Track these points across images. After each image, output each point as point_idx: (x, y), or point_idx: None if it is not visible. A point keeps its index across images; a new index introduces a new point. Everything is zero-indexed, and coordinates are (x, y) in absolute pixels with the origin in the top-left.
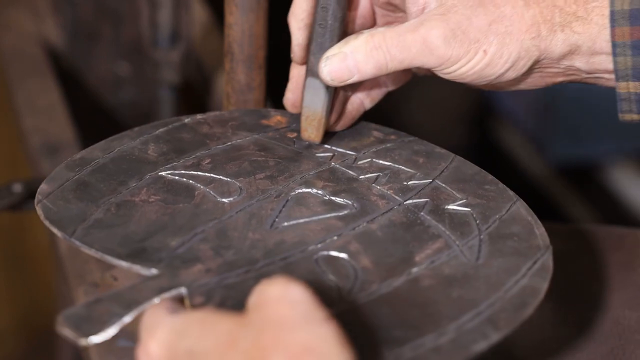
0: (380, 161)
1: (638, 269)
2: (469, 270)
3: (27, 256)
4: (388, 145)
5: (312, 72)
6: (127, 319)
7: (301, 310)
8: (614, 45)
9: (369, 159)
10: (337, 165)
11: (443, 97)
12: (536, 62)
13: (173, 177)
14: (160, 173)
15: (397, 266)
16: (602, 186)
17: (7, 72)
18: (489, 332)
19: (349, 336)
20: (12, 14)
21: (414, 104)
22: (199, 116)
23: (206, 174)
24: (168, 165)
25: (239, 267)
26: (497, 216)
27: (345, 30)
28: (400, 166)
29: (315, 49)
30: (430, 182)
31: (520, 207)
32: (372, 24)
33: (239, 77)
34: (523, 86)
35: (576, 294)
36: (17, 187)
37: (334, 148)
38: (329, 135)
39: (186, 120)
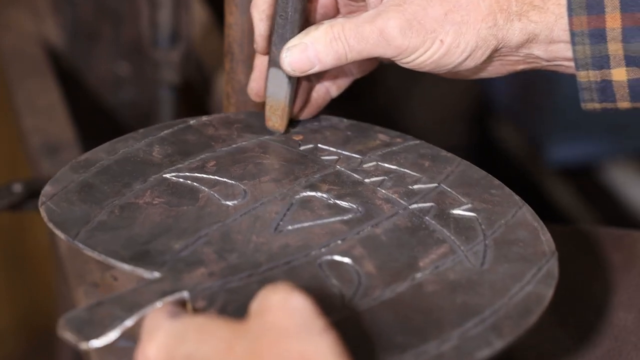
0: (386, 165)
1: (635, 270)
2: (474, 276)
3: (27, 256)
4: (394, 148)
5: (274, 62)
6: (129, 322)
7: (300, 319)
8: (573, 34)
9: (375, 163)
10: (343, 169)
11: (442, 96)
12: (495, 50)
13: (177, 179)
14: (164, 175)
15: (401, 271)
16: (602, 186)
17: (7, 72)
18: (493, 340)
19: (351, 342)
20: (12, 14)
21: (413, 102)
22: (204, 118)
23: (211, 176)
24: (172, 168)
25: (242, 271)
26: (503, 221)
27: (307, 20)
28: (406, 170)
29: (276, 39)
30: (436, 187)
31: (526, 213)
32: (335, 13)
33: (239, 77)
34: (485, 74)
35: (573, 295)
36: (17, 187)
37: (339, 151)
38: (334, 139)
39: (191, 122)
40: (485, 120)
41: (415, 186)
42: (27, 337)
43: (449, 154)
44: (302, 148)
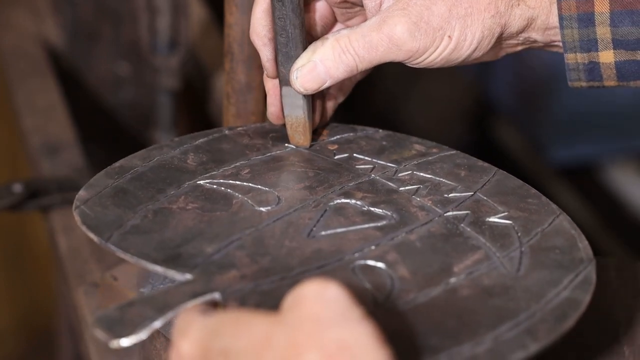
0: (422, 174)
1: None
2: (509, 282)
3: (27, 256)
4: (430, 158)
5: (284, 81)
6: (159, 323)
7: (337, 308)
8: (561, 18)
9: (410, 172)
10: (377, 177)
11: (443, 96)
12: (499, 37)
13: (211, 185)
14: (198, 182)
15: (435, 276)
16: (602, 186)
17: (7, 72)
18: (528, 343)
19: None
20: (12, 14)
21: (412, 103)
22: (239, 128)
23: (244, 183)
24: (207, 175)
25: (274, 274)
26: (540, 229)
27: (308, 34)
28: (442, 179)
29: (282, 59)
30: (472, 195)
31: (564, 221)
32: (333, 22)
33: (239, 77)
34: (485, 58)
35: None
36: (17, 187)
37: (374, 160)
38: (370, 148)
39: (227, 132)
40: (485, 121)
41: (451, 194)
42: (27, 337)
43: (486, 164)
44: (336, 157)
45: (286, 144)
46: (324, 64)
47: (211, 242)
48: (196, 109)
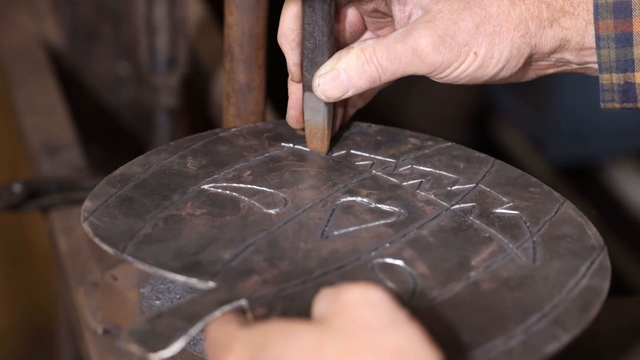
0: (421, 167)
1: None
2: (527, 273)
3: (27, 256)
4: (426, 151)
5: (307, 87)
6: (193, 331)
7: (384, 312)
8: (598, 37)
9: (410, 166)
10: (379, 173)
11: (443, 97)
12: (528, 58)
13: (216, 190)
14: (202, 186)
15: (454, 271)
16: (602, 186)
17: (7, 72)
18: (559, 334)
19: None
20: (12, 14)
21: (413, 104)
22: (233, 129)
23: (248, 185)
24: (209, 179)
25: (295, 277)
26: (547, 218)
27: (337, 41)
28: (442, 172)
29: (307, 65)
30: (474, 187)
31: (569, 208)
32: (363, 31)
33: (239, 77)
34: (514, 79)
35: None
36: (17, 187)
37: (372, 156)
38: (365, 144)
39: (221, 134)
40: (485, 121)
41: (454, 187)
42: (27, 337)
43: (482, 155)
44: (334, 154)
45: (282, 143)
46: (348, 73)
47: (227, 248)
48: (196, 109)
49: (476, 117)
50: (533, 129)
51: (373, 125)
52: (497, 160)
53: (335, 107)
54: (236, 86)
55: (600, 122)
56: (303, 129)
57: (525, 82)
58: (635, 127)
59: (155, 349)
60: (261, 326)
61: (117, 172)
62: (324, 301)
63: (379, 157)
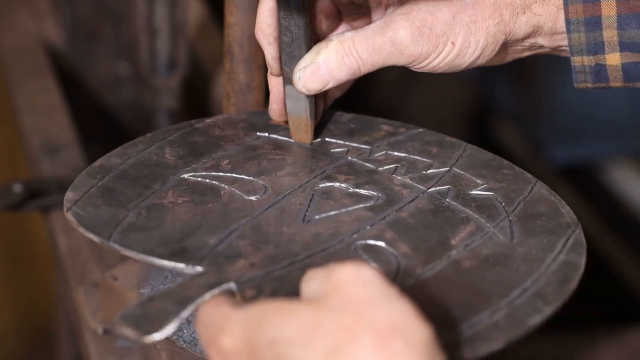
0: (395, 153)
1: None
2: (506, 250)
3: (27, 256)
4: (399, 137)
5: (288, 80)
6: (184, 314)
7: (376, 289)
8: (568, 22)
9: (384, 152)
10: (355, 159)
11: (442, 97)
12: (503, 44)
13: (196, 178)
14: (182, 176)
15: (435, 250)
16: (602, 186)
17: (7, 72)
18: (541, 306)
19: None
20: (12, 14)
21: (413, 103)
22: (208, 120)
23: (227, 174)
24: (188, 168)
25: (281, 260)
26: (521, 198)
27: (313, 33)
28: (416, 157)
29: (286, 58)
30: (449, 170)
31: (542, 188)
32: (339, 22)
33: (239, 77)
34: (490, 64)
35: None
36: (17, 187)
37: (347, 143)
38: (339, 132)
39: (196, 125)
40: (485, 121)
41: (429, 171)
42: (27, 337)
43: (454, 139)
44: (310, 143)
45: (258, 133)
46: (327, 65)
47: (211, 233)
48: (196, 109)
49: (476, 116)
50: (533, 129)
51: (345, 114)
52: (469, 144)
53: (317, 98)
54: (236, 86)
55: (600, 122)
56: (285, 122)
57: (525, 83)
58: (635, 127)
59: (149, 331)
60: (256, 305)
61: (96, 163)
62: (314, 281)
63: (354, 144)
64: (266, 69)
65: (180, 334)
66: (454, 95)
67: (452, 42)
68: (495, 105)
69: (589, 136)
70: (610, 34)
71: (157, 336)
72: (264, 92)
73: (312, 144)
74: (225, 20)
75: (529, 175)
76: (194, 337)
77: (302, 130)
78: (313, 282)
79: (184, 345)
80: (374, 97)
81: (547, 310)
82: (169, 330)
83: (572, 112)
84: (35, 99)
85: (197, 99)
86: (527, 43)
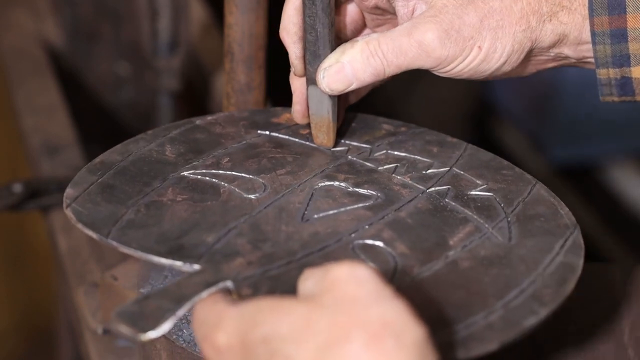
0: (396, 152)
1: None
2: (503, 251)
3: (27, 256)
4: (400, 137)
5: (311, 80)
6: (181, 312)
7: (371, 288)
8: (593, 34)
9: (384, 151)
10: (355, 158)
11: (442, 97)
12: (528, 52)
13: (195, 176)
14: (182, 173)
15: (433, 250)
16: (602, 186)
17: (7, 72)
18: (537, 308)
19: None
20: (12, 14)
21: (414, 103)
22: (209, 117)
23: (227, 172)
24: (188, 166)
25: (279, 259)
26: (520, 198)
27: (337, 37)
28: (416, 156)
29: (309, 58)
30: (449, 170)
31: (541, 189)
32: (363, 27)
33: (239, 77)
34: (514, 74)
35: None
36: (17, 187)
37: (347, 142)
38: (340, 131)
39: (198, 122)
40: (486, 121)
41: (429, 171)
42: (27, 337)
43: (455, 139)
44: (310, 141)
45: (259, 131)
46: (352, 65)
47: (209, 231)
48: (196, 109)
49: (476, 116)
50: (533, 129)
51: (346, 112)
52: (470, 144)
53: (339, 99)
54: (236, 86)
55: (601, 122)
56: (308, 124)
57: (525, 82)
58: (635, 127)
59: (145, 329)
60: (251, 303)
61: (97, 160)
62: (311, 280)
63: (354, 143)
64: (266, 69)
65: (180, 334)
66: (454, 95)
67: (479, 47)
68: (496, 105)
69: (589, 136)
70: (636, 47)
71: (153, 334)
72: (264, 92)
73: (311, 142)
74: (225, 20)
75: (528, 176)
76: (193, 337)
77: (324, 132)
78: (310, 281)
79: (184, 345)
80: (376, 96)
81: (543, 312)
82: (165, 328)
83: (572, 112)
84: (35, 98)
85: (197, 99)
86: (552, 53)
